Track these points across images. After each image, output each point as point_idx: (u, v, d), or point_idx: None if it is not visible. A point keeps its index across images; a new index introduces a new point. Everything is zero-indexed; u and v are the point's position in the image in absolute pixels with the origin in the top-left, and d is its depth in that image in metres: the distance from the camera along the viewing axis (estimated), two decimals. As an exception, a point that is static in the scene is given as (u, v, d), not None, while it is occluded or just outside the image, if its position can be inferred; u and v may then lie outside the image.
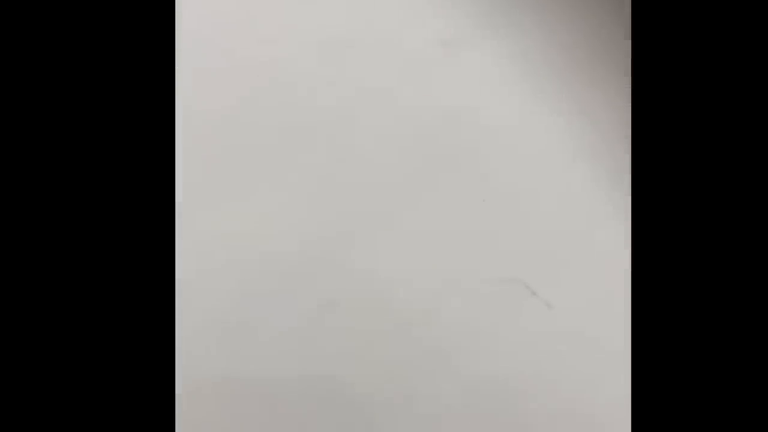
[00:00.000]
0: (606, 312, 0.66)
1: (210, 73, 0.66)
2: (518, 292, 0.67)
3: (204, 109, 0.66)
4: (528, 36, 0.70)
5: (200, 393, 0.64)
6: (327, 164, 0.67)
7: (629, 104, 0.46)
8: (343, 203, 0.67)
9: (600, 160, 0.69)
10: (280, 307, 0.65)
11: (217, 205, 0.65)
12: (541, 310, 0.67)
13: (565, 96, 0.69)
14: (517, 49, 0.69)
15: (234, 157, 0.66)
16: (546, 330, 0.67)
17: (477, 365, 0.66)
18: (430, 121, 0.68)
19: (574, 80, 0.70)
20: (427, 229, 0.67)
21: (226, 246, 0.65)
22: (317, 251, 0.66)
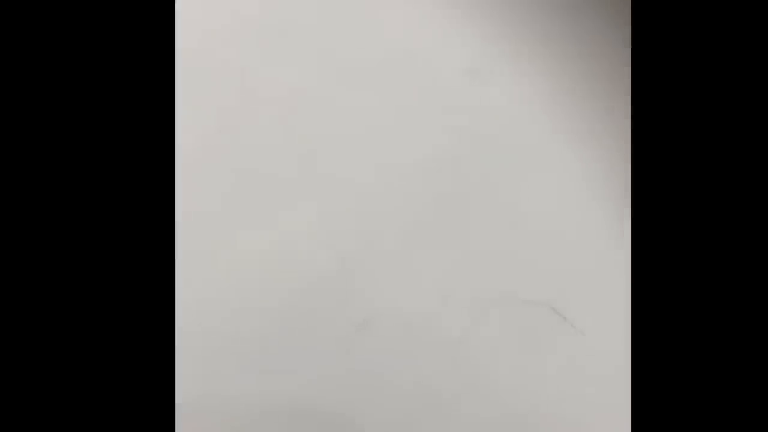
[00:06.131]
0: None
1: (236, 99, 0.67)
2: (547, 316, 0.67)
3: (234, 128, 0.67)
4: (552, 64, 0.70)
5: (206, 413, 0.65)
6: (359, 185, 0.68)
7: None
8: (370, 228, 0.68)
9: (628, 185, 0.68)
10: (309, 328, 0.66)
11: (245, 226, 0.66)
12: (570, 334, 0.67)
13: (591, 122, 0.69)
14: (542, 76, 0.70)
15: (261, 177, 0.67)
16: (574, 353, 0.67)
17: (507, 388, 0.67)
18: (459, 145, 0.69)
19: (600, 106, 0.70)
20: (457, 252, 0.68)
21: (257, 265, 0.66)
22: (347, 274, 0.67)
